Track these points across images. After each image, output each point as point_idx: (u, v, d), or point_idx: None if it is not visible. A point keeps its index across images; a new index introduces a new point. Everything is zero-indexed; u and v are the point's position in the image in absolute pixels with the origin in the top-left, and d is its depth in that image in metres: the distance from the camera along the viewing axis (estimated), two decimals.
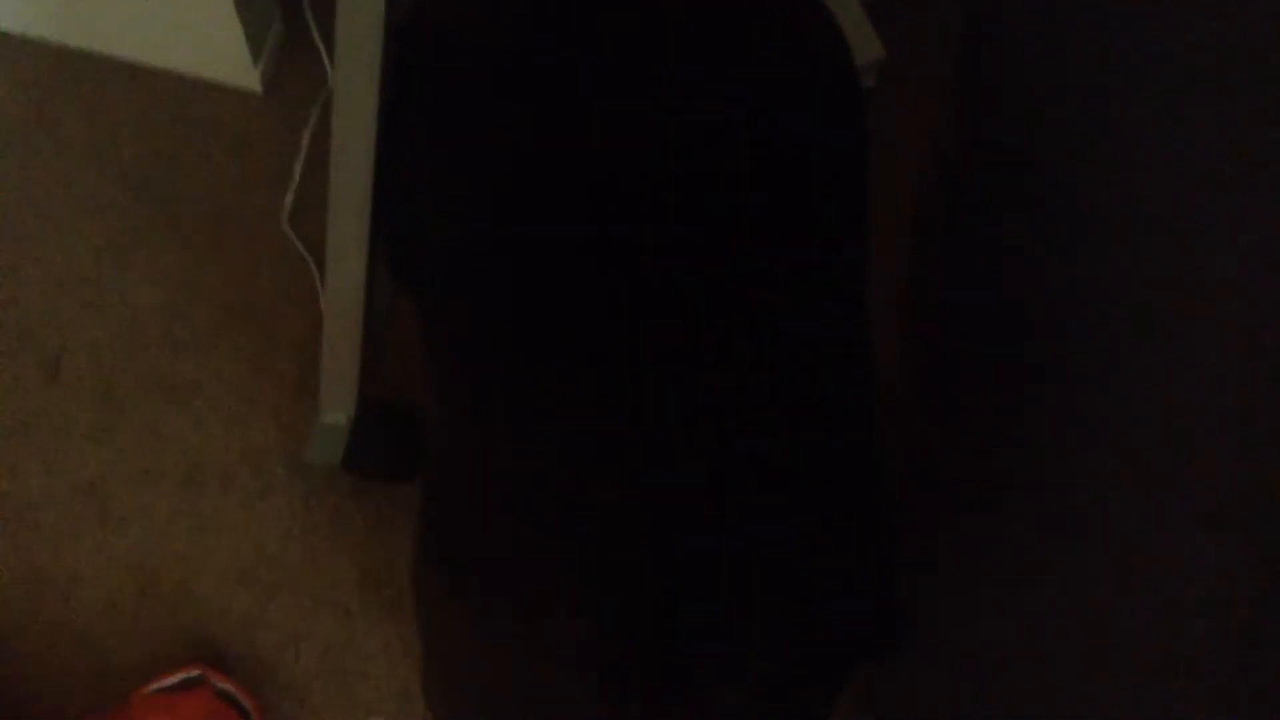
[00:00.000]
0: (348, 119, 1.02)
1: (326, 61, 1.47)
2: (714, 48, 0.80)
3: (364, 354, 1.19)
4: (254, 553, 1.33)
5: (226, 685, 1.24)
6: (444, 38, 0.84)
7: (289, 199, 1.45)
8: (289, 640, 1.31)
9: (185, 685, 1.24)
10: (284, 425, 1.38)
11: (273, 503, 1.35)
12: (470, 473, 0.82)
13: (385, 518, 1.35)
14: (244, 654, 1.30)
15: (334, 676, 1.30)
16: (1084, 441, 0.88)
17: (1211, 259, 0.73)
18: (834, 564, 0.80)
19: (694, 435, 0.77)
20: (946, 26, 1.31)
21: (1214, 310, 0.73)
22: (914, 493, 1.19)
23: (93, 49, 1.48)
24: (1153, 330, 0.80)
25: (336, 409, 1.25)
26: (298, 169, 1.45)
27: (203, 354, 1.40)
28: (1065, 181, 0.99)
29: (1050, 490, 0.93)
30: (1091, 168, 0.94)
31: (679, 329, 0.78)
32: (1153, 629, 0.78)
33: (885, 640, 0.84)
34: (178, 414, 1.38)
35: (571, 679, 0.79)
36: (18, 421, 1.37)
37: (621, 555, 0.77)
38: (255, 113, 1.49)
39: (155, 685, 1.24)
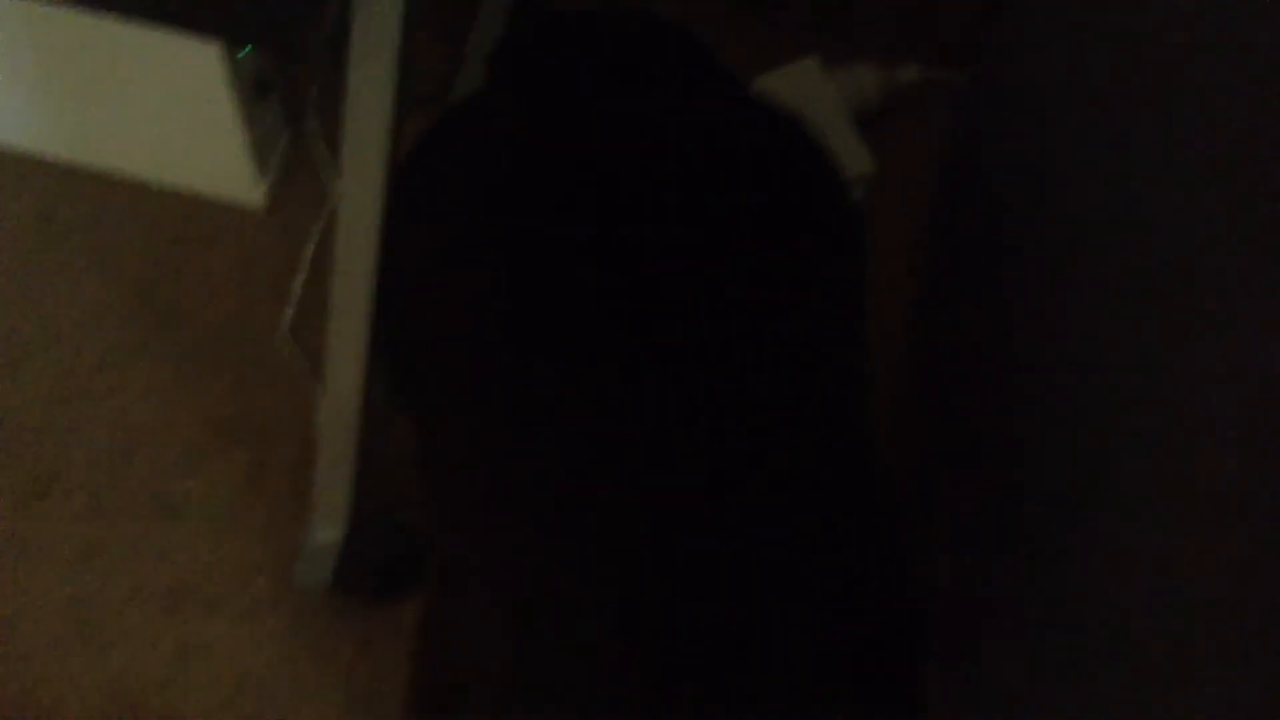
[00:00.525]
0: (351, 235, 1.02)
1: (330, 178, 1.48)
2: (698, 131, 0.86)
3: (358, 474, 1.18)
4: (238, 678, 1.30)
5: None
6: (445, 166, 0.87)
7: (288, 314, 1.45)
8: None
9: None
10: (274, 543, 1.35)
11: (259, 624, 1.32)
12: (470, 476, 0.83)
13: (374, 641, 1.32)
14: None
15: None
16: (1084, 441, 0.88)
17: (1212, 258, 0.74)
18: (834, 565, 0.80)
19: (694, 435, 0.78)
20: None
21: (1215, 309, 0.73)
22: (913, 493, 1.18)
23: (99, 165, 1.50)
24: (1153, 329, 0.80)
25: (329, 527, 1.23)
26: (298, 285, 1.46)
27: (195, 470, 1.38)
28: (1066, 180, 1.01)
29: (1050, 490, 0.93)
30: (1092, 166, 0.96)
31: (678, 329, 0.79)
32: (1155, 629, 0.77)
33: (891, 643, 0.83)
34: (166, 531, 1.35)
35: (569, 680, 0.77)
36: (3, 539, 1.34)
37: (621, 555, 0.77)
38: (258, 228, 1.49)
39: None
